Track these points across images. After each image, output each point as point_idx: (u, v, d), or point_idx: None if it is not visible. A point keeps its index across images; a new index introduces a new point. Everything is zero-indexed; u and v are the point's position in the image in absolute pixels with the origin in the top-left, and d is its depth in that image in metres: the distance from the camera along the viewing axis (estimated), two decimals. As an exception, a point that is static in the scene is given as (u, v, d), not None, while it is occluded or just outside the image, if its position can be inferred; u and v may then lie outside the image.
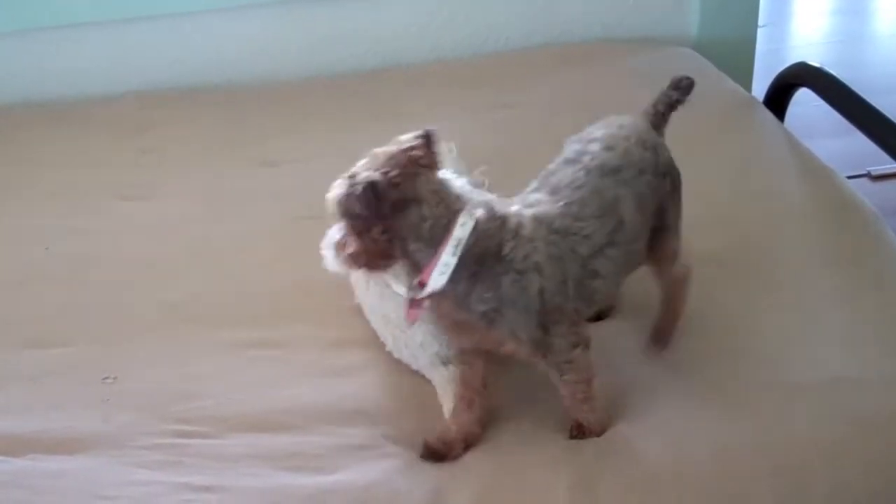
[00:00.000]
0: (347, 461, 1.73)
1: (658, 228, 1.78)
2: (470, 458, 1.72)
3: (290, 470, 1.72)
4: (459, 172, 2.08)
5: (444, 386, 1.83)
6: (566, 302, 1.61)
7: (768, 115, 2.76)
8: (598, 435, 1.72)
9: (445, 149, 2.17)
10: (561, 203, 1.64)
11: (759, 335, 1.94)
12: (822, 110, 2.72)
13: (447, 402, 1.81)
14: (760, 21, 3.41)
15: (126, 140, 2.82)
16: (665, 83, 2.84)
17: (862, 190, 2.43)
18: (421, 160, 1.56)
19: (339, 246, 1.61)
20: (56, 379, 1.96)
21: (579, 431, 1.73)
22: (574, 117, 2.77)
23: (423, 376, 1.89)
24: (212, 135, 2.81)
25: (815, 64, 2.81)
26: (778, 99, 2.86)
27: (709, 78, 2.99)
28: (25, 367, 2.00)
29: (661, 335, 1.89)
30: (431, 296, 1.57)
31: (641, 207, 1.71)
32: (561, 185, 1.68)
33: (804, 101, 2.86)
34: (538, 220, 1.62)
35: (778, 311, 2.01)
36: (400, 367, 1.93)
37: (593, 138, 1.76)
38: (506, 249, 1.57)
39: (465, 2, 3.23)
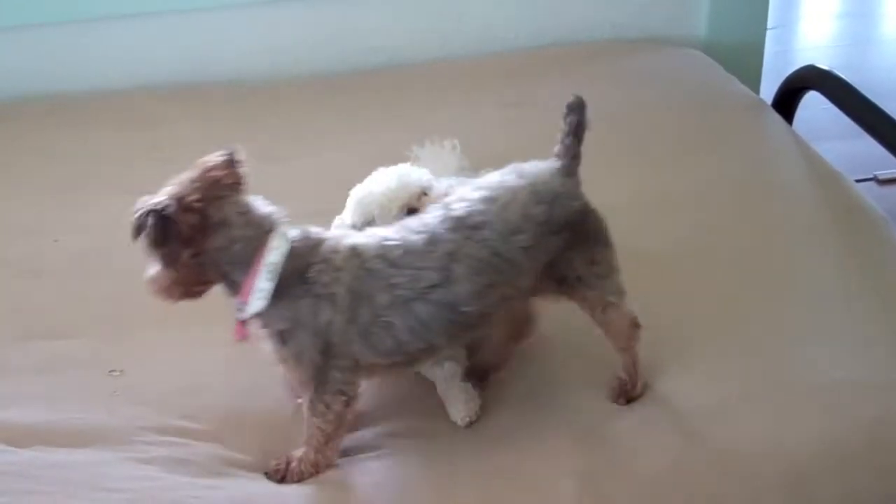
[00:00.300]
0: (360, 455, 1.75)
1: (563, 281, 1.69)
2: (475, 453, 1.73)
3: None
4: (464, 170, 2.09)
5: (445, 384, 1.84)
6: (350, 343, 1.57)
7: (777, 118, 2.76)
8: (298, 479, 1.68)
9: (449, 146, 2.18)
10: (384, 242, 1.58)
11: (766, 338, 1.94)
12: (830, 113, 2.72)
13: (449, 400, 1.82)
14: (769, 23, 3.40)
15: (135, 135, 2.82)
16: (673, 84, 2.86)
17: (869, 194, 2.43)
18: (224, 181, 1.55)
19: (153, 281, 1.59)
20: (63, 371, 1.97)
21: (280, 471, 1.70)
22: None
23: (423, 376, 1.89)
24: (219, 130, 2.80)
25: (824, 67, 2.80)
26: (786, 102, 2.86)
27: (717, 80, 2.99)
28: (32, 359, 2.01)
29: (620, 392, 1.81)
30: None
31: (492, 271, 1.58)
32: (411, 224, 1.61)
33: (812, 104, 2.86)
34: (355, 251, 1.57)
35: (785, 314, 2.01)
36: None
37: (481, 186, 1.64)
38: (311, 272, 1.54)
39: (473, 0, 3.23)
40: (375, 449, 1.77)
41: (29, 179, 2.65)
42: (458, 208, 1.59)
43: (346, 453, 1.75)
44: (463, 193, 1.63)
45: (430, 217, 1.60)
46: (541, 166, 1.70)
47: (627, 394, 1.79)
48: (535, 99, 2.90)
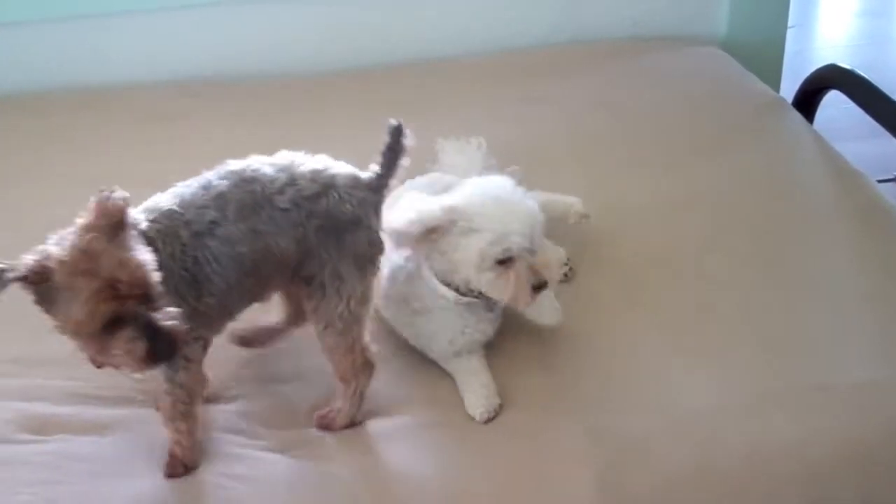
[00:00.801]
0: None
1: (310, 281, 1.73)
2: (490, 448, 1.75)
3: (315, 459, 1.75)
4: (490, 168, 2.09)
5: (465, 378, 1.85)
6: (176, 283, 1.58)
7: (797, 117, 2.75)
8: (189, 468, 1.70)
9: (475, 144, 2.19)
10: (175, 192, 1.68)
11: (786, 337, 1.95)
12: (851, 113, 2.72)
13: (468, 394, 1.83)
14: (789, 22, 3.40)
15: (158, 129, 2.83)
16: (693, 83, 2.86)
17: (891, 194, 2.43)
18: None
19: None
20: (89, 364, 1.97)
21: (171, 465, 1.71)
22: (600, 115, 2.81)
23: (440, 368, 1.91)
24: (240, 126, 2.82)
25: (846, 66, 2.80)
26: (807, 101, 2.86)
27: (737, 78, 2.99)
28: (58, 350, 2.01)
29: (323, 420, 1.82)
30: None
31: (256, 217, 1.67)
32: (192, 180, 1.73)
33: (833, 103, 2.86)
34: (147, 208, 1.66)
35: (807, 313, 2.02)
36: (420, 359, 1.94)
37: (295, 163, 1.76)
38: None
39: (493, -4, 3.25)
40: (389, 440, 1.79)
41: (53, 173, 2.66)
42: (243, 167, 1.71)
43: (363, 442, 1.77)
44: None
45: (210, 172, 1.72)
46: (352, 170, 1.78)
47: (328, 425, 1.81)
48: (555, 97, 2.91)
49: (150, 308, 1.45)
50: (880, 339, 1.93)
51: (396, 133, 1.76)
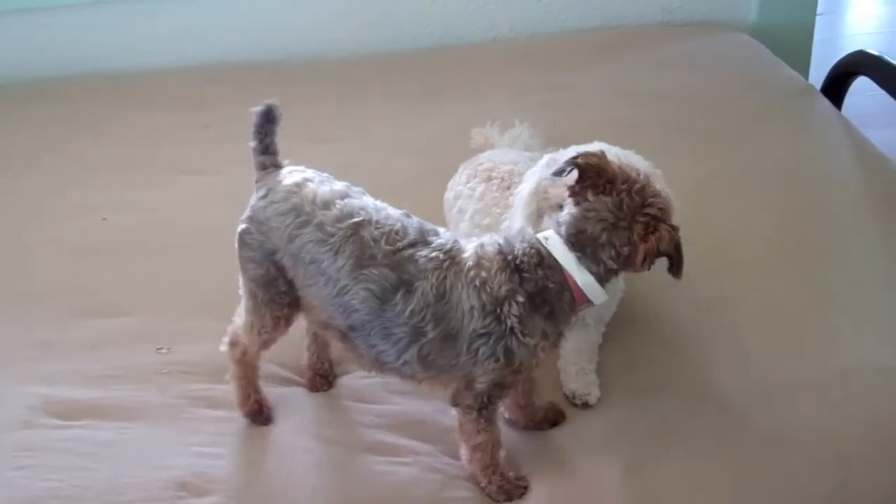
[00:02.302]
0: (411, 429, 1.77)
1: None
2: (517, 442, 1.73)
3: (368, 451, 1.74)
4: (532, 148, 2.09)
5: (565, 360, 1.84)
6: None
7: (826, 103, 2.73)
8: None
9: (526, 125, 2.19)
10: None
11: (813, 321, 1.94)
12: (880, 99, 2.69)
13: (567, 377, 1.82)
14: (818, 9, 3.37)
15: (186, 114, 2.84)
16: (722, 69, 2.83)
17: (919, 181, 2.40)
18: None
19: None
20: (111, 348, 1.99)
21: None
22: (627, 101, 2.80)
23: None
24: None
25: (874, 52, 2.77)
26: (836, 87, 2.83)
27: (766, 64, 2.97)
28: (82, 336, 2.03)
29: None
30: None
31: None
32: None
33: (861, 90, 2.83)
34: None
35: (832, 299, 2.01)
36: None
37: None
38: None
39: (523, -18, 3.23)
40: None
41: (79, 158, 2.68)
42: None
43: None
44: None
45: None
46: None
47: None
48: (583, 83, 2.90)
49: None
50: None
51: (267, 114, 1.74)
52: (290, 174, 1.68)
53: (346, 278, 1.55)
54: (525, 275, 1.50)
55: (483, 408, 1.56)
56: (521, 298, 1.49)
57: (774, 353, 1.85)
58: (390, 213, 1.61)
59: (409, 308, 1.52)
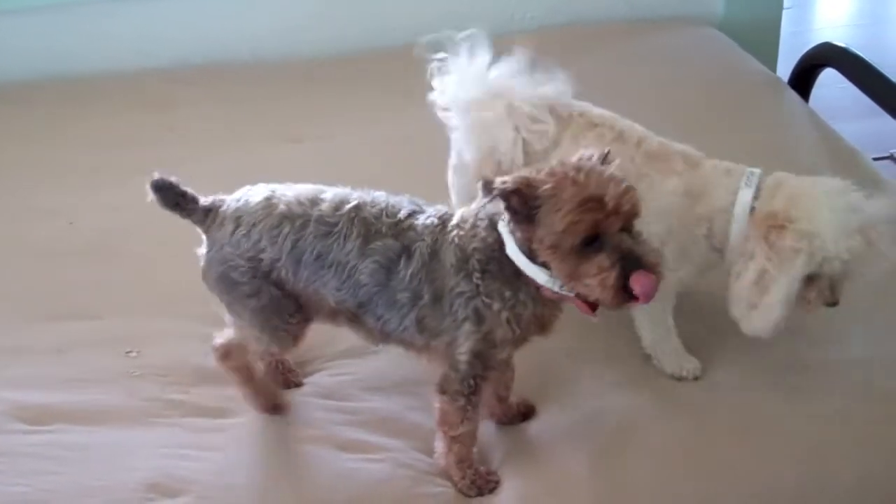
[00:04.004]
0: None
1: None
2: (488, 436, 1.74)
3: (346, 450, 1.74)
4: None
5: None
6: None
7: (793, 96, 2.75)
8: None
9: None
10: None
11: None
12: (847, 92, 2.71)
13: (660, 356, 1.84)
14: (785, 3, 3.38)
15: (149, 117, 2.83)
16: (690, 63, 2.83)
17: (886, 172, 2.42)
18: None
19: None
20: (80, 352, 1.98)
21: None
22: (596, 96, 2.79)
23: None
24: (236, 111, 2.82)
25: (841, 44, 2.79)
26: (803, 79, 2.85)
27: (734, 58, 2.98)
28: (50, 340, 2.02)
29: None
30: None
31: None
32: None
33: (829, 82, 2.85)
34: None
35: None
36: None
37: None
38: None
39: (489, -21, 3.23)
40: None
41: (44, 162, 2.66)
42: None
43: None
44: None
45: None
46: None
47: None
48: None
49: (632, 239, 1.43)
50: (879, 314, 1.94)
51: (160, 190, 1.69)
52: (244, 196, 1.69)
53: (355, 258, 1.57)
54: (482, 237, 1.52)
55: (471, 393, 1.58)
56: (480, 256, 1.51)
57: (741, 346, 1.85)
58: (375, 193, 1.63)
59: (410, 271, 1.55)
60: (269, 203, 1.64)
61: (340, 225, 1.58)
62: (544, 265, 1.46)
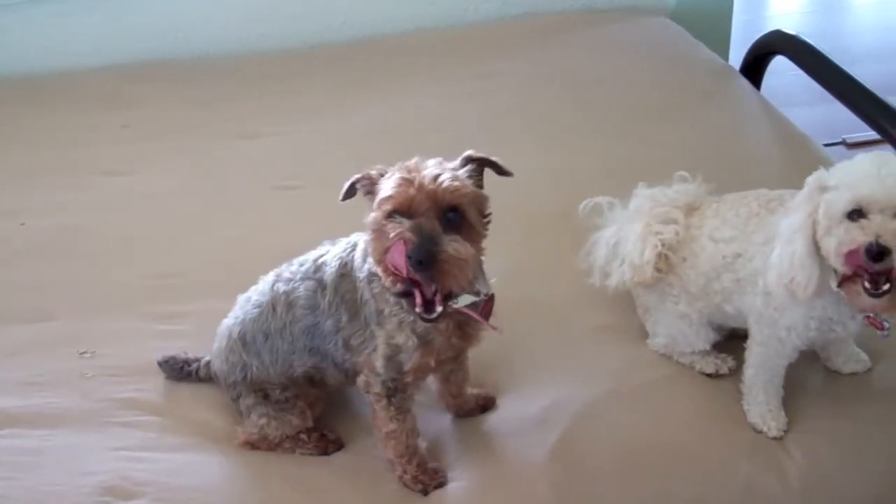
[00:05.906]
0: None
1: None
2: (446, 428, 1.75)
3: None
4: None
5: None
6: None
7: (745, 84, 2.76)
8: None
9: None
10: None
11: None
12: (799, 79, 2.72)
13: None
14: (737, -9, 3.41)
15: (105, 114, 2.80)
16: (642, 52, 2.84)
17: (838, 157, 2.42)
18: None
19: None
20: (33, 354, 1.96)
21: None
22: (551, 86, 2.81)
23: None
24: (190, 108, 2.80)
25: (791, 32, 2.80)
26: (754, 67, 2.86)
27: (686, 47, 3.00)
28: (3, 343, 1.99)
29: None
30: None
31: None
32: None
33: (781, 70, 2.86)
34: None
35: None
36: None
37: None
38: None
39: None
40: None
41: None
42: None
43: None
44: None
45: None
46: None
47: None
48: (508, 71, 2.90)
49: (445, 225, 1.45)
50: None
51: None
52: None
53: (286, 315, 1.67)
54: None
55: (391, 395, 1.61)
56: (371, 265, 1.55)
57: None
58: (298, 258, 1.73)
59: (327, 300, 1.62)
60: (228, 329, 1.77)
61: (268, 297, 1.70)
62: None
